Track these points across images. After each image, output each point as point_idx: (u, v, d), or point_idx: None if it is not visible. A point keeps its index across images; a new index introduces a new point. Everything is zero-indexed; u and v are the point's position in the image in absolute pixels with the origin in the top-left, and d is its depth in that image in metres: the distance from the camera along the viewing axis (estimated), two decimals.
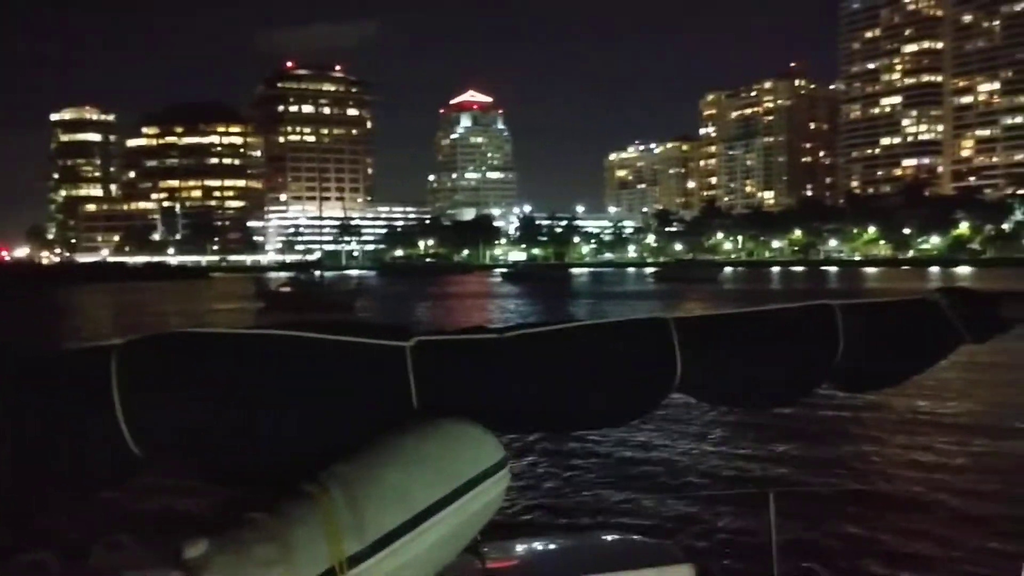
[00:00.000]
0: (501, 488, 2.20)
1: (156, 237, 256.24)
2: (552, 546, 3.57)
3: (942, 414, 18.55)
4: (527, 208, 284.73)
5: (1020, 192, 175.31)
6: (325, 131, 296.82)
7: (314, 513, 1.88)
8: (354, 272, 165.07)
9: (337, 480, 1.96)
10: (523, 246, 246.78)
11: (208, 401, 2.10)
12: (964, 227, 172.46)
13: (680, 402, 2.69)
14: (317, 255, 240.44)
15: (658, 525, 10.18)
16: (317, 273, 79.20)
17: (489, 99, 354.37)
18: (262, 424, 2.14)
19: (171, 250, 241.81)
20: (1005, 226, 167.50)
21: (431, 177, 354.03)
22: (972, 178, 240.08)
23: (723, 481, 12.90)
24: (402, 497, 1.97)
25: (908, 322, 3.02)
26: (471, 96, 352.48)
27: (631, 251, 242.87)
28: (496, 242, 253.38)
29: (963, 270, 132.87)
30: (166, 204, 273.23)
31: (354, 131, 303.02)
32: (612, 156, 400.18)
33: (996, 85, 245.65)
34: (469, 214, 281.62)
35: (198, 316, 54.41)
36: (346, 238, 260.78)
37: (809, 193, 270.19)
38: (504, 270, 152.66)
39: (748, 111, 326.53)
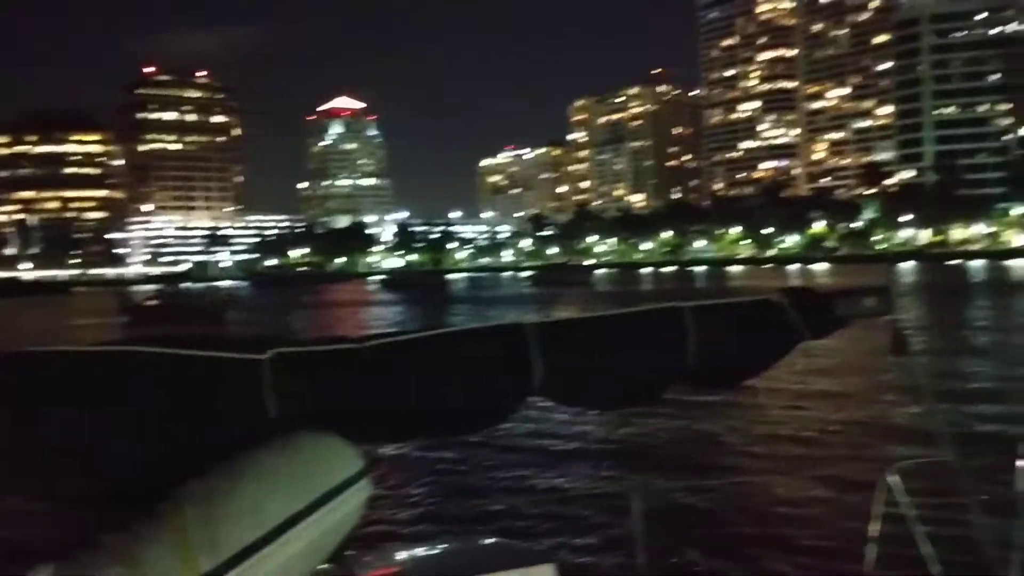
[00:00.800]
0: (362, 499, 2.18)
1: (9, 251, 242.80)
2: (419, 554, 3.90)
3: (795, 408, 19.80)
4: (402, 215, 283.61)
5: (869, 192, 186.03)
6: (190, 139, 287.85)
7: (167, 531, 1.82)
8: (224, 283, 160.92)
9: (191, 497, 1.90)
10: (399, 253, 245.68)
11: (54, 421, 2.03)
12: (819, 226, 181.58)
13: (544, 404, 2.69)
14: (185, 267, 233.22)
15: (524, 527, 10.56)
16: (185, 285, 77.04)
17: (361, 105, 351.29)
18: (114, 443, 2.06)
19: (26, 264, 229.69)
20: (856, 224, 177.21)
21: (303, 185, 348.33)
22: (825, 179, 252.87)
23: (588, 480, 13.31)
24: (257, 512, 1.92)
25: (753, 322, 3.17)
26: (342, 102, 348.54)
27: (507, 256, 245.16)
28: (371, 250, 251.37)
29: (820, 267, 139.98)
30: (19, 216, 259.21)
31: (221, 138, 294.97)
32: (485, 162, 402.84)
33: (846, 91, 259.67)
34: (343, 222, 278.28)
35: (56, 333, 52.03)
36: (215, 249, 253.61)
37: (676, 196, 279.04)
38: (382, 277, 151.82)
39: (616, 116, 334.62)
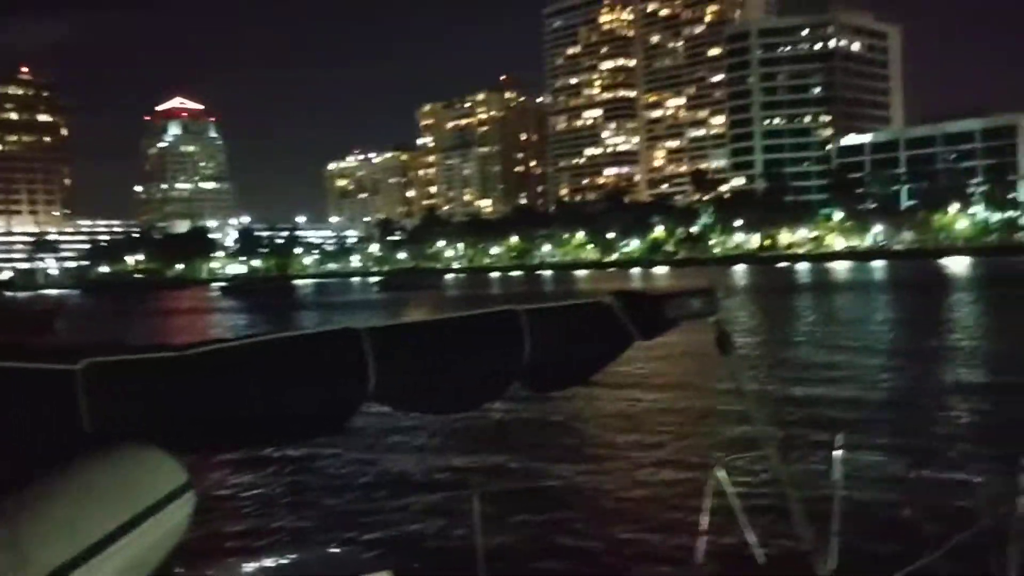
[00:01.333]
0: (185, 512, 2.10)
1: None
2: (252, 567, 3.86)
3: (630, 408, 20.55)
4: (245, 219, 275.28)
5: (706, 198, 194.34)
6: (12, 138, 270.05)
7: None
8: (52, 292, 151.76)
9: None
10: (242, 259, 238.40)
11: None
12: (659, 231, 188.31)
13: (380, 409, 2.58)
14: (7, 275, 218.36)
15: (363, 535, 10.55)
16: (9, 294, 72.35)
17: (200, 106, 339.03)
18: None
19: None
20: (694, 229, 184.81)
21: (138, 188, 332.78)
22: (665, 185, 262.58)
23: (428, 486, 13.37)
24: (71, 531, 1.83)
25: (586, 324, 3.23)
26: (180, 103, 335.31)
27: (355, 261, 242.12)
28: (213, 255, 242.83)
29: (660, 270, 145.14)
30: None
31: (47, 139, 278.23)
32: (332, 165, 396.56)
33: (682, 100, 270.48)
34: (182, 227, 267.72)
35: None
36: (42, 255, 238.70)
37: (523, 201, 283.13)
38: (223, 284, 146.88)
39: (463, 122, 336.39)
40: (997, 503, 4.34)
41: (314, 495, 12.85)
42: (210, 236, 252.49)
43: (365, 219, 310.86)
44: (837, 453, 4.64)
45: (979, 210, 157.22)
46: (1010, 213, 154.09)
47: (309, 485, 13.46)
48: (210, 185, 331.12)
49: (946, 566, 4.37)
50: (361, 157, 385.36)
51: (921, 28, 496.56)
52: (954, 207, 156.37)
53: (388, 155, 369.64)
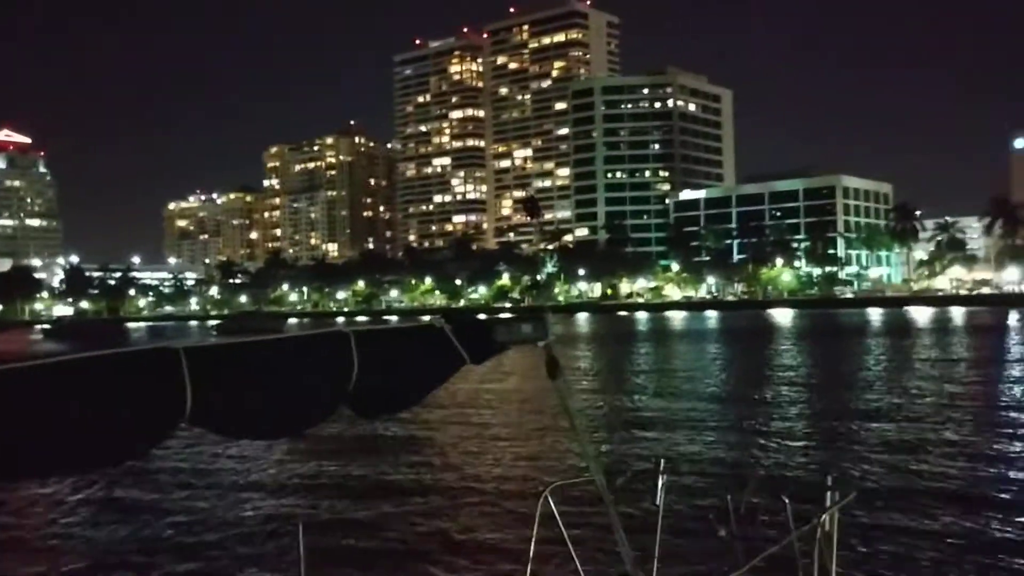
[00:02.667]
0: None
1: None
2: None
3: (461, 435, 20.68)
4: (74, 259, 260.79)
5: (550, 247, 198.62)
6: None
7: None
8: None
9: None
10: (70, 300, 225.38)
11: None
12: (505, 278, 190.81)
13: (195, 435, 2.48)
14: None
15: (183, 571, 10.17)
16: None
17: (27, 140, 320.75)
18: None
19: None
20: (539, 277, 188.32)
21: None
22: (511, 234, 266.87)
23: (250, 518, 13.02)
24: None
25: (417, 347, 3.27)
26: (6, 136, 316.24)
27: (193, 304, 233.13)
28: (38, 296, 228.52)
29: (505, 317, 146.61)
30: None
31: None
32: (172, 205, 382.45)
33: (529, 152, 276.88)
34: (4, 265, 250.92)
35: None
36: None
37: (371, 246, 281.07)
38: (46, 326, 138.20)
39: (311, 165, 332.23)
40: (800, 520, 4.69)
41: (117, 530, 12.22)
42: (35, 275, 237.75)
43: (206, 261, 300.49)
44: (660, 479, 4.87)
45: (802, 264, 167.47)
46: (830, 268, 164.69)
47: (109, 519, 12.77)
48: (37, 222, 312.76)
49: None
50: (203, 197, 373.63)
51: (750, 92, 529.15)
52: (779, 261, 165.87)
53: (232, 196, 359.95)
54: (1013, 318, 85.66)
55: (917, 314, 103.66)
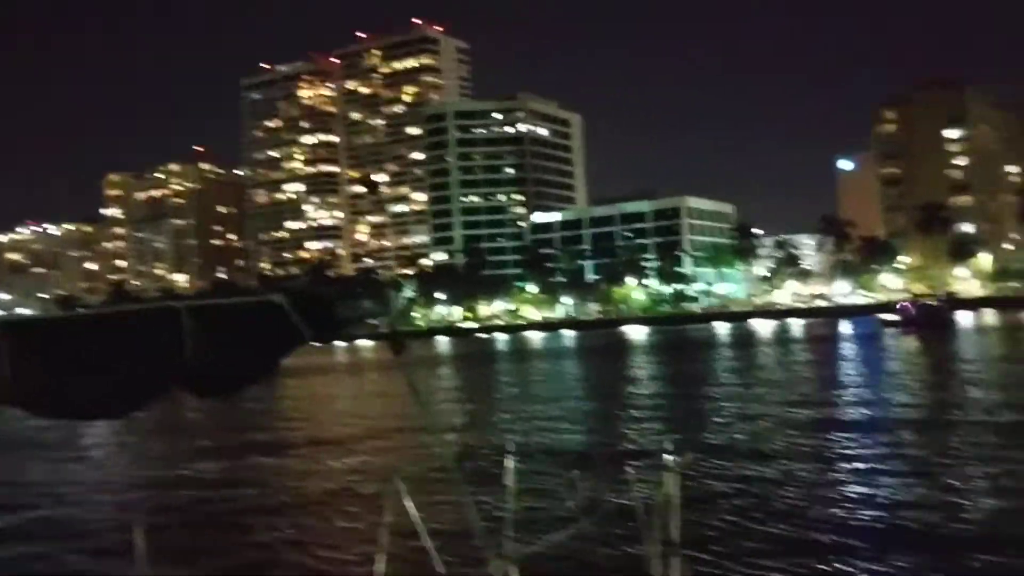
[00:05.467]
0: None
1: None
2: None
3: (307, 423, 20.59)
4: None
5: (408, 272, 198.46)
6: None
7: None
8: None
9: None
10: None
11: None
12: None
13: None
14: None
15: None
16: None
17: None
18: None
19: None
20: (398, 302, 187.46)
21: None
22: (368, 260, 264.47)
23: (88, 519, 12.53)
24: None
25: (255, 323, 3.15)
26: None
27: None
28: None
29: (365, 343, 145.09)
30: None
31: None
32: (2, 238, 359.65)
33: (384, 176, 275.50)
34: None
35: None
36: None
37: (223, 275, 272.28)
38: None
39: (156, 193, 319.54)
40: (642, 483, 5.13)
41: None
42: None
43: (41, 295, 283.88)
44: (510, 460, 5.19)
45: (653, 283, 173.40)
46: (678, 286, 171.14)
47: None
48: None
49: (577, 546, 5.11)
50: (37, 229, 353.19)
51: (599, 115, 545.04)
52: (632, 280, 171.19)
53: (69, 227, 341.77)
54: (844, 328, 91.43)
55: (760, 326, 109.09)
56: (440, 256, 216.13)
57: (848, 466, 18.80)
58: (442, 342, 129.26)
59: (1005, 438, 20.58)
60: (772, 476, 17.65)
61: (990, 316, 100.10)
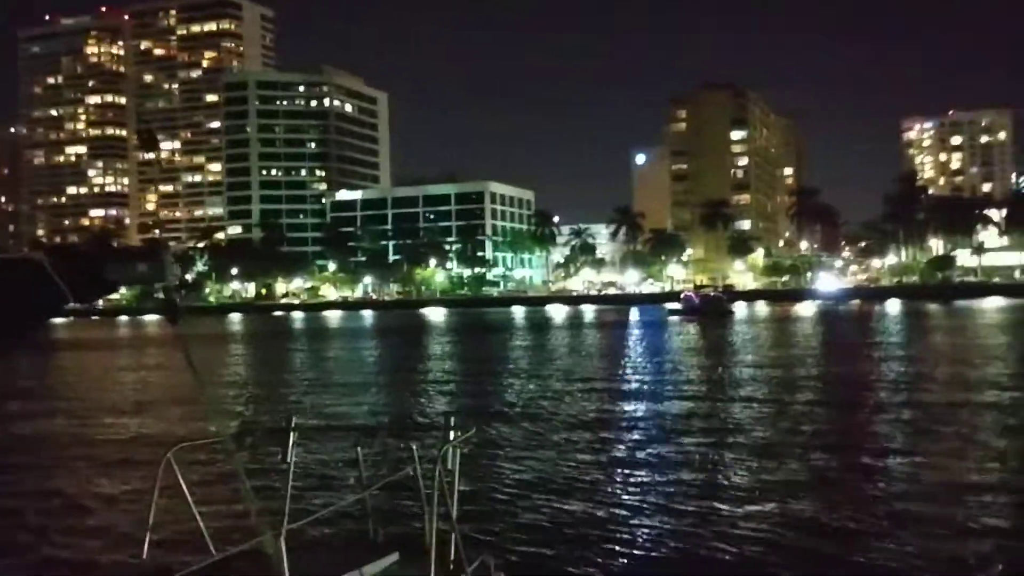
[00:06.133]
0: None
1: None
2: None
3: (79, 403, 19.54)
4: None
5: (200, 244, 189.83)
6: None
7: None
8: None
9: None
10: None
11: None
12: None
13: None
14: None
15: None
16: None
17: None
18: None
19: None
20: (188, 276, 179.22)
21: None
22: (158, 230, 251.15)
23: None
24: None
25: (11, 281, 2.97)
26: None
27: None
28: None
29: (151, 318, 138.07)
30: None
31: None
32: None
33: (177, 144, 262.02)
34: None
35: None
36: None
37: None
38: None
39: None
40: (424, 458, 5.19)
41: None
42: None
43: None
44: (291, 436, 5.11)
45: (454, 265, 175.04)
46: (479, 269, 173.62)
47: None
48: None
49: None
50: None
51: (405, 97, 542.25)
52: (433, 262, 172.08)
53: None
54: (633, 315, 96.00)
55: (555, 312, 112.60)
56: (236, 230, 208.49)
57: (628, 437, 19.87)
58: (235, 320, 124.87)
59: (758, 406, 22.62)
60: (554, 452, 18.40)
61: (762, 307, 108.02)
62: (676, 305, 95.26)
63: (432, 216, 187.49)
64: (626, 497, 14.28)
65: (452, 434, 5.26)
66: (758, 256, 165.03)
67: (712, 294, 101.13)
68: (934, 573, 10.38)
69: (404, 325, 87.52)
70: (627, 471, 16.35)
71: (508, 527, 12.55)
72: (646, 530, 12.32)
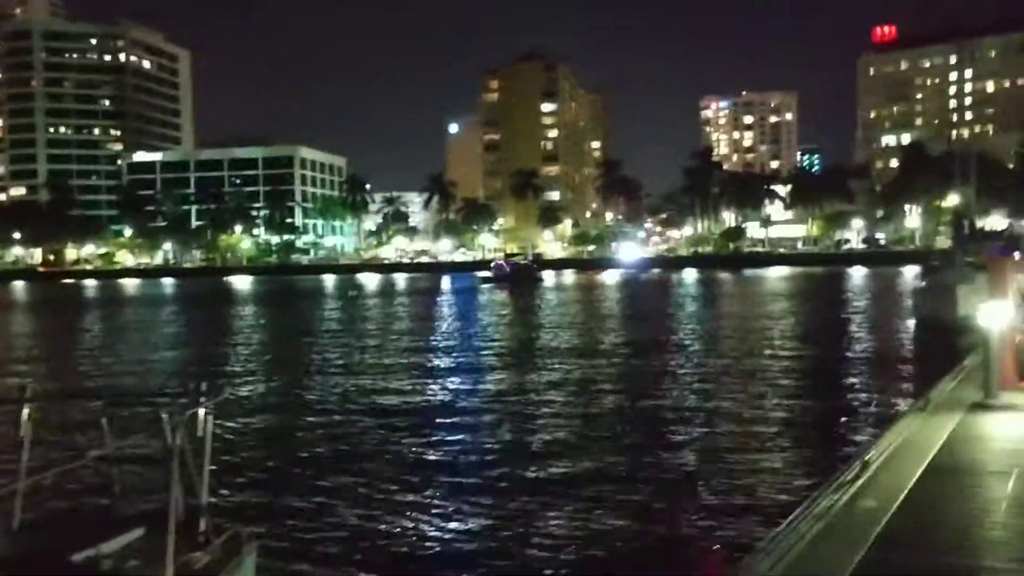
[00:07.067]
0: None
1: None
2: None
3: None
4: None
5: None
6: None
7: None
8: None
9: None
10: None
11: None
12: None
13: None
14: None
15: None
16: None
17: None
18: None
19: None
20: None
21: None
22: None
23: None
24: None
25: None
26: None
27: None
28: None
29: None
30: None
31: None
32: None
33: None
34: None
35: None
36: None
37: None
38: None
39: None
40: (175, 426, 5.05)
41: None
42: None
43: None
44: (24, 408, 4.86)
45: (261, 232, 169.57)
46: (288, 236, 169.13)
47: None
48: None
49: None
50: None
51: (210, 54, 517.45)
52: (239, 228, 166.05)
53: None
54: (446, 283, 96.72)
55: (367, 280, 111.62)
56: (19, 191, 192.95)
57: (415, 407, 20.14)
58: (19, 287, 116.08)
59: (559, 357, 23.51)
60: (326, 421, 18.32)
61: (571, 275, 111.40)
62: (488, 273, 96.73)
63: (239, 180, 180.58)
64: (394, 472, 14.15)
65: (203, 398, 5.12)
66: (566, 226, 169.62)
67: (522, 263, 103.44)
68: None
69: (206, 293, 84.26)
70: (408, 442, 16.47)
71: (263, 498, 12.33)
72: (413, 507, 12.23)
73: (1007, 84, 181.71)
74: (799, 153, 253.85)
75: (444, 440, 16.22)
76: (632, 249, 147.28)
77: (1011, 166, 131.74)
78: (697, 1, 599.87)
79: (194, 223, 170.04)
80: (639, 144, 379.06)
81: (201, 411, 5.14)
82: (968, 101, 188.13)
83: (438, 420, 18.15)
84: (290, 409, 19.70)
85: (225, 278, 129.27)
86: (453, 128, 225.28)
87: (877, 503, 6.80)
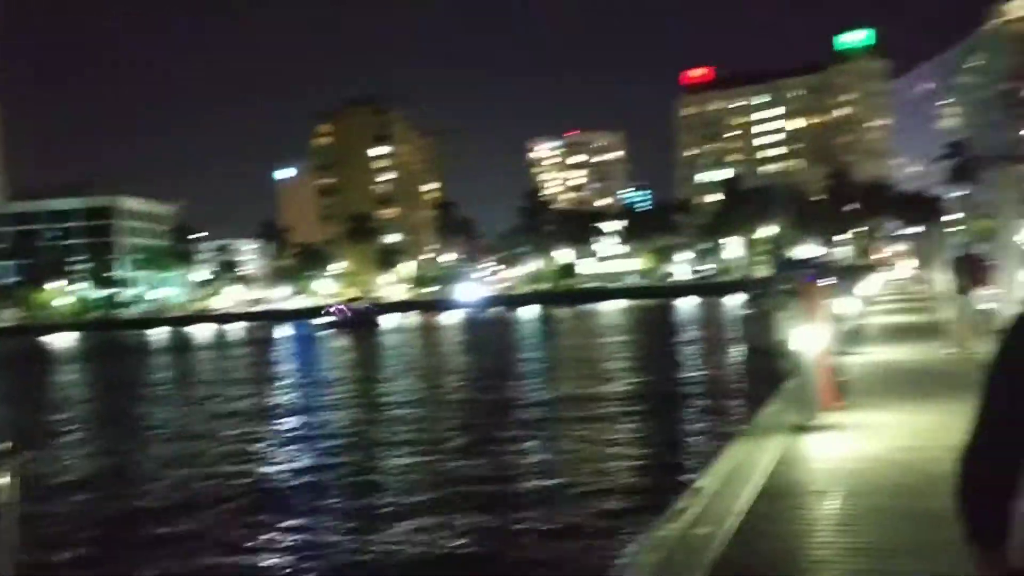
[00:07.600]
0: None
1: None
2: None
3: None
4: None
5: None
6: None
7: None
8: None
9: None
10: None
11: None
12: None
13: None
14: None
15: None
16: None
17: None
18: None
19: None
20: None
21: None
22: None
23: None
24: None
25: None
26: None
27: None
28: None
29: None
30: None
31: None
32: None
33: None
34: None
35: None
36: None
37: None
38: None
39: None
40: None
41: None
42: None
43: None
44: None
45: (84, 287, 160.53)
46: (111, 290, 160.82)
47: None
48: None
49: None
50: None
51: (19, 102, 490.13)
52: (59, 284, 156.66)
53: None
54: (284, 330, 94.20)
55: (199, 331, 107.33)
56: None
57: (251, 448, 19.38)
58: None
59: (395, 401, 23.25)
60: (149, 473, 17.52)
61: (412, 317, 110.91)
62: (326, 319, 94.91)
63: (56, 233, 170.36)
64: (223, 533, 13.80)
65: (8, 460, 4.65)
66: (406, 268, 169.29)
67: (362, 307, 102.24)
68: None
69: (20, 352, 78.88)
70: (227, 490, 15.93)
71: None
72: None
73: (816, 120, 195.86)
74: (632, 189, 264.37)
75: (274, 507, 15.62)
76: (473, 288, 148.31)
77: (821, 198, 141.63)
78: (527, 43, 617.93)
79: (10, 280, 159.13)
80: (476, 185, 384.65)
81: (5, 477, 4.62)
82: (779, 138, 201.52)
83: (270, 497, 17.49)
84: (107, 475, 18.55)
85: (43, 337, 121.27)
86: (282, 174, 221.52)
87: (711, 529, 6.92)
